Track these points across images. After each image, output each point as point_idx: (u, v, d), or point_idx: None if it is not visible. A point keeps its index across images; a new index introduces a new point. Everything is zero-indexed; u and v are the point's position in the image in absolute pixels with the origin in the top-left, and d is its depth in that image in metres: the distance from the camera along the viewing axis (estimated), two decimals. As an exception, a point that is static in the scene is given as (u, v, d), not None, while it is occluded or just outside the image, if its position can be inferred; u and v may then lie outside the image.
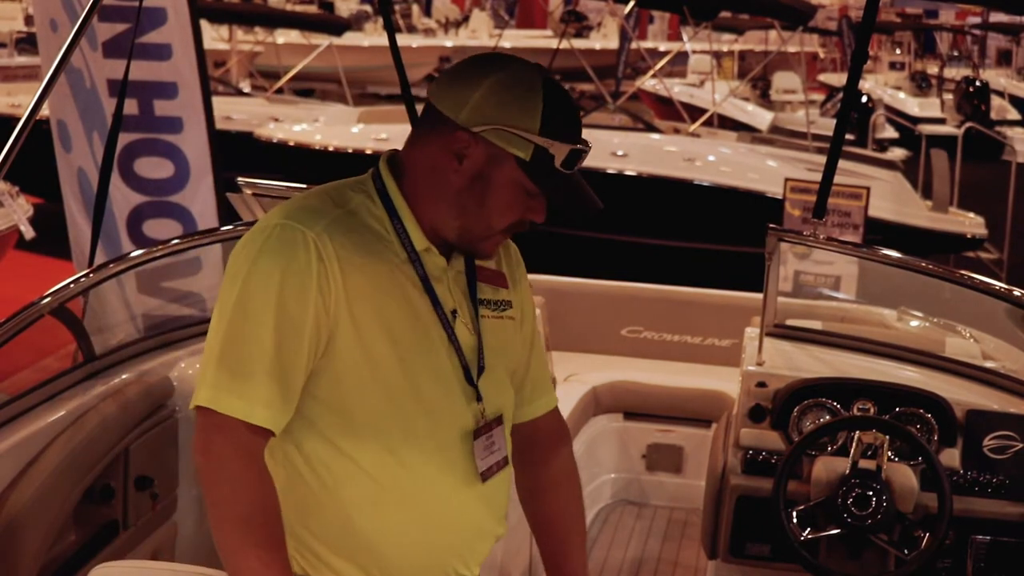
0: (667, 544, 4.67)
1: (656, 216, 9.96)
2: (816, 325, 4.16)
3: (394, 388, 1.93)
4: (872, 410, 3.56)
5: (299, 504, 1.95)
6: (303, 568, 1.98)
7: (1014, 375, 3.79)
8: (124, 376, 3.31)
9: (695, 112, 13.39)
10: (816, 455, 3.49)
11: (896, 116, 19.36)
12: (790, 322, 4.10)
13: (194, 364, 3.50)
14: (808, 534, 3.36)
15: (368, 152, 10.47)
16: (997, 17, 24.79)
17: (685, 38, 19.30)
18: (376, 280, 1.93)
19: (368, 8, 26.95)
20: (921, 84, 21.70)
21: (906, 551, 3.30)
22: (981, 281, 3.60)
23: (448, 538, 2.00)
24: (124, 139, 4.60)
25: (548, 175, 1.95)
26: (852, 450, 3.37)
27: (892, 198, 9.62)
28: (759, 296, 3.92)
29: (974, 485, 3.50)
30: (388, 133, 10.44)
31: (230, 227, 3.70)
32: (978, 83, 19.95)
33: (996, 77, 23.17)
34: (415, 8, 28.94)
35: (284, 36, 18.25)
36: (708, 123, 11.68)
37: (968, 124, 14.46)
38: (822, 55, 25.62)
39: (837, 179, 3.73)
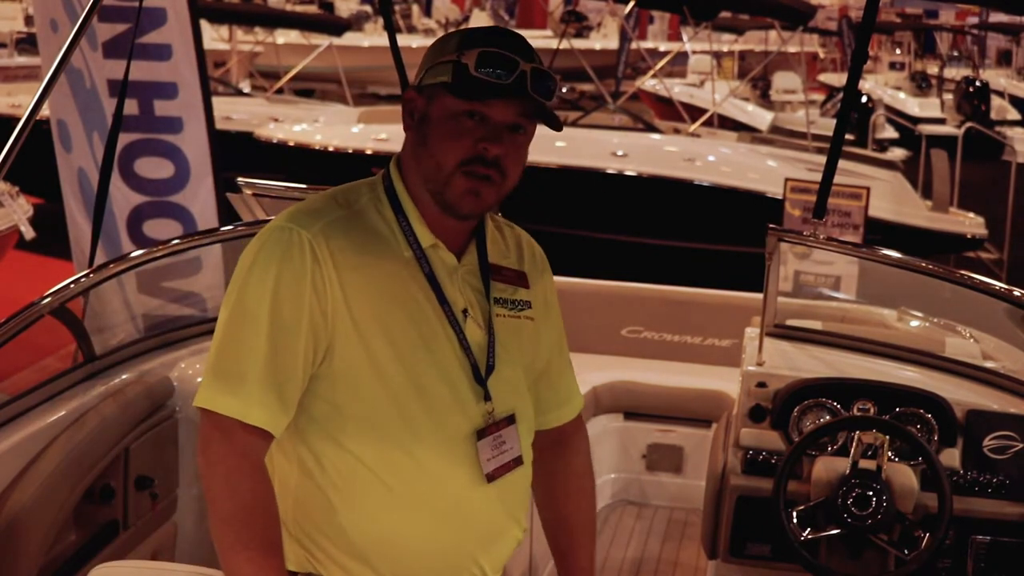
0: (667, 544, 4.67)
1: (656, 216, 9.96)
2: (816, 325, 4.16)
3: (397, 388, 1.93)
4: (872, 410, 3.56)
5: (311, 505, 1.95)
6: (315, 568, 1.98)
7: (1014, 375, 3.79)
8: (124, 376, 3.31)
9: (695, 112, 13.40)
10: (816, 455, 3.48)
11: (896, 116, 19.36)
12: (790, 322, 4.09)
13: (194, 364, 3.51)
14: (808, 534, 3.36)
15: (368, 152, 10.47)
16: (997, 17, 24.81)
17: (685, 38, 19.30)
18: (376, 279, 1.93)
19: (368, 8, 26.96)
20: (921, 84, 21.69)
21: (906, 551, 3.30)
22: (981, 281, 3.60)
23: (461, 538, 1.99)
24: (124, 139, 4.60)
25: (467, 83, 1.91)
26: (852, 450, 3.37)
27: (892, 198, 9.63)
28: (759, 296, 3.92)
29: (974, 485, 3.50)
30: (388, 133, 10.44)
31: (230, 227, 3.70)
32: (978, 83, 19.93)
33: (996, 77, 23.14)
34: (415, 8, 28.95)
35: (284, 36, 18.24)
36: (708, 123, 11.67)
37: (968, 124, 14.46)
38: (822, 55, 25.61)
39: (837, 179, 3.73)
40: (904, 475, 3.37)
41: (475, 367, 2.00)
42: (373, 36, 23.43)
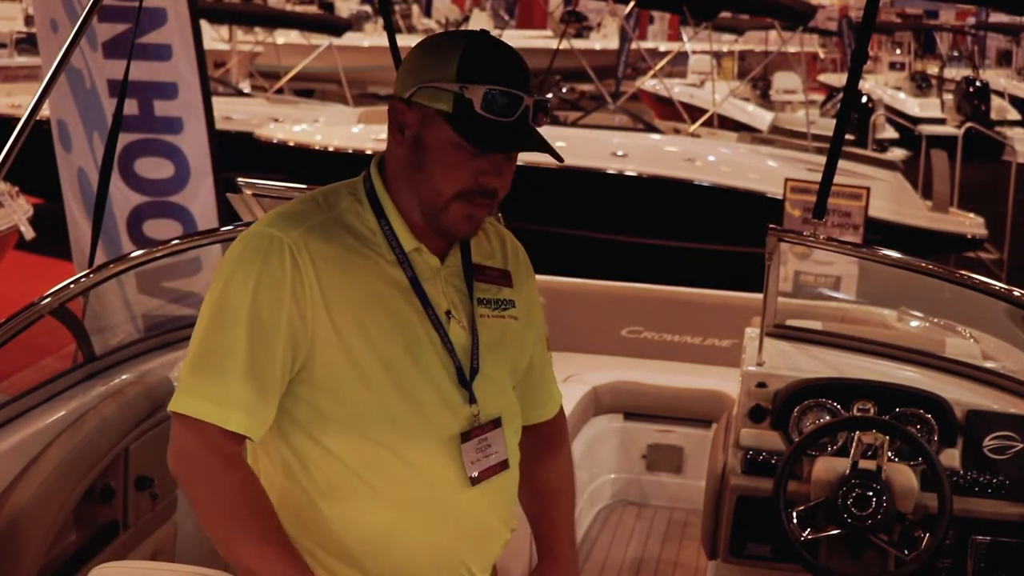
0: (667, 544, 4.67)
1: (656, 216, 9.96)
2: (816, 325, 4.16)
3: (381, 392, 1.92)
4: (872, 410, 3.56)
5: (296, 507, 1.95)
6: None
7: (1014, 375, 3.79)
8: (124, 376, 3.31)
9: (695, 112, 13.39)
10: (816, 455, 3.49)
11: (896, 116, 19.35)
12: (790, 322, 4.09)
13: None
14: (808, 534, 3.36)
15: (368, 152, 10.47)
16: (997, 17, 24.82)
17: (685, 38, 19.28)
18: (358, 284, 1.92)
19: (368, 8, 26.95)
20: (921, 84, 21.70)
21: (906, 551, 3.30)
22: (981, 281, 3.60)
23: (447, 539, 1.99)
24: (124, 139, 4.60)
25: (470, 122, 1.88)
26: (852, 450, 3.37)
27: (892, 198, 9.63)
28: (759, 296, 3.92)
29: (974, 485, 3.50)
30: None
31: (230, 227, 3.70)
32: (978, 83, 19.93)
33: (996, 77, 23.14)
34: (415, 8, 28.93)
35: (284, 36, 18.23)
36: (708, 123, 11.67)
37: (968, 124, 14.46)
38: (822, 55, 25.60)
39: (837, 179, 3.74)
40: (904, 475, 3.37)
41: (460, 370, 1.98)
42: (373, 36, 23.42)
